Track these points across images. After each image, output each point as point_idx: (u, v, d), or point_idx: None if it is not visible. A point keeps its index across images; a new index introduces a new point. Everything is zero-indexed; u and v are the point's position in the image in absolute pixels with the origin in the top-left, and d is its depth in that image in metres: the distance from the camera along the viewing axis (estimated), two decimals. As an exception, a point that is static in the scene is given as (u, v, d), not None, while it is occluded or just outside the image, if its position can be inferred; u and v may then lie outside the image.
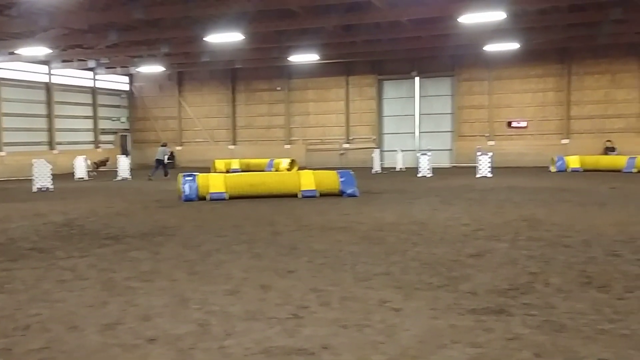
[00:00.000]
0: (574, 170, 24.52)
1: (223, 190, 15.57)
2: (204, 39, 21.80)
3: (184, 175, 15.84)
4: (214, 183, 15.75)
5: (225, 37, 21.24)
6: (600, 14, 20.16)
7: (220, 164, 29.37)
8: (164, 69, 31.46)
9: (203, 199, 15.38)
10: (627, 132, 28.17)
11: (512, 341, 4.55)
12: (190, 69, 33.42)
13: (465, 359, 4.22)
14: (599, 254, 7.73)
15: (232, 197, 15.52)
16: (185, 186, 15.49)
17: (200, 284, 6.55)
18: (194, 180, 15.62)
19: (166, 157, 25.20)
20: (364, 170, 24.99)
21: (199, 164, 31.73)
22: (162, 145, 25.43)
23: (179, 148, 35.19)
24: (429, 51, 27.95)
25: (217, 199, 15.29)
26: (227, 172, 24.98)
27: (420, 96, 31.32)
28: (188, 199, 15.30)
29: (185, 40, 24.99)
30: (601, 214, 11.43)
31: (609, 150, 27.30)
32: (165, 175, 24.16)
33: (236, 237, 9.61)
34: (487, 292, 6.00)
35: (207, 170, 25.40)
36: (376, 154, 27.62)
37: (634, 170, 23.23)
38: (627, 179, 19.91)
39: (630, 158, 24.07)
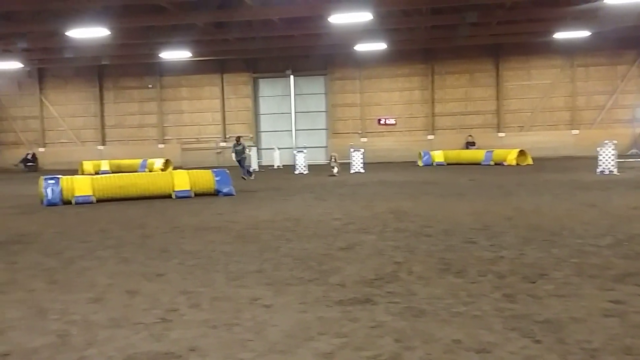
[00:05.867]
0: (439, 164, 26.07)
1: (90, 194, 14.80)
2: (66, 33, 20.55)
3: (46, 178, 14.86)
4: (80, 186, 14.93)
5: (89, 32, 20.19)
6: (458, 17, 21.57)
7: (88, 166, 27.93)
8: (22, 66, 29.24)
9: (68, 203, 14.53)
10: (485, 127, 30.43)
11: (375, 329, 4.75)
12: (52, 65, 31.38)
13: (330, 349, 4.35)
14: (456, 241, 8.27)
15: (100, 200, 14.81)
16: (48, 190, 14.54)
17: (61, 293, 6.19)
18: (57, 183, 14.70)
19: (247, 151, 22.52)
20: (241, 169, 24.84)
21: (64, 166, 29.91)
22: (236, 140, 22.27)
23: (41, 150, 32.96)
24: (302, 50, 28.41)
25: (84, 203, 14.52)
26: (96, 174, 23.79)
27: (295, 94, 31.77)
28: (51, 204, 14.37)
29: (45, 35, 23.45)
30: (460, 205, 12.25)
31: (469, 144, 29.33)
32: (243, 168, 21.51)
33: (102, 242, 9.18)
34: (355, 283, 6.22)
35: (74, 172, 23.98)
36: (253, 152, 27.62)
37: (491, 162, 25.14)
38: (484, 171, 21.49)
39: (487, 152, 26.04)
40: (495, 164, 24.90)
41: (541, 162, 24.87)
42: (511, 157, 24.65)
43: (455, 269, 6.66)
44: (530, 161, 24.69)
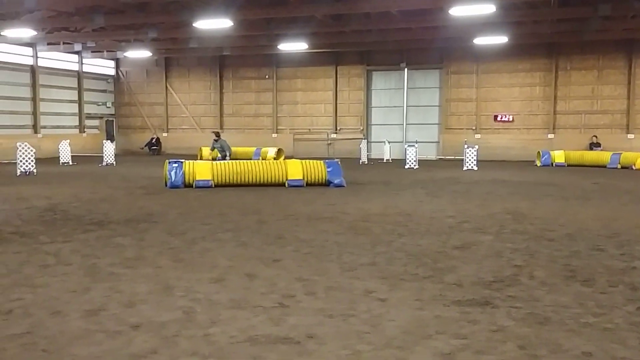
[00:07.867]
0: (559, 165, 24.71)
1: (209, 178, 15.48)
2: (192, 24, 21.57)
3: (170, 162, 15.72)
4: (200, 170, 15.65)
5: (213, 24, 21.03)
6: (589, 9, 20.23)
7: (206, 152, 29.19)
8: (151, 54, 31.12)
9: (189, 186, 15.28)
10: (612, 128, 28.41)
11: (497, 333, 4.57)
12: (177, 54, 33.09)
13: (449, 349, 4.23)
14: (582, 248, 7.79)
15: (218, 185, 15.45)
16: (172, 173, 15.38)
17: (185, 271, 6.51)
18: (180, 167, 15.51)
19: (228, 152, 19.99)
20: (351, 161, 24.99)
21: (185, 151, 31.50)
22: (216, 136, 19.74)
23: (165, 134, 34.95)
24: (418, 43, 27.94)
25: (203, 187, 15.20)
26: (214, 159, 24.83)
27: (408, 88, 31.34)
28: (174, 186, 15.19)
29: (173, 26, 24.71)
30: (585, 209, 11.52)
31: (594, 145, 27.52)
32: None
33: (221, 225, 9.56)
34: (472, 284, 6.02)
35: (193, 157, 25.22)
36: (363, 144, 27.64)
37: (618, 166, 23.46)
38: (610, 175, 20.09)
39: (614, 154, 24.29)
40: (622, 168, 23.20)
41: (676, 168, 22.85)
42: (641, 160, 22.85)
43: (582, 277, 6.27)
44: (662, 166, 22.77)
